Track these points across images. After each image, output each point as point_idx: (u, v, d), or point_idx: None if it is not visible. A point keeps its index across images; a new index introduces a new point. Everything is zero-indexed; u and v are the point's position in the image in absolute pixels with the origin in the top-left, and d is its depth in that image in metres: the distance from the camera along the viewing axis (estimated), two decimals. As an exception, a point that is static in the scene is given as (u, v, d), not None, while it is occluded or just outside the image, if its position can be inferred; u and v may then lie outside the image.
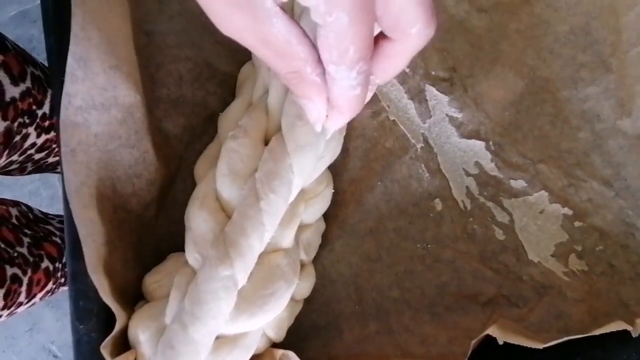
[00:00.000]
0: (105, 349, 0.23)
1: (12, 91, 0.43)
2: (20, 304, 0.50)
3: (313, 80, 0.19)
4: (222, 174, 0.26)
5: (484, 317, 0.32)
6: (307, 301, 0.31)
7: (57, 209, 0.89)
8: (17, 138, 0.46)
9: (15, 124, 0.45)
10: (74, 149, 0.23)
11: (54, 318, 0.93)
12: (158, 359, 0.22)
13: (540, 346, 0.28)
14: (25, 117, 0.46)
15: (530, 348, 0.28)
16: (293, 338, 0.31)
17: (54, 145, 0.55)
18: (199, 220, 0.25)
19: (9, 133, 0.44)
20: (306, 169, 0.26)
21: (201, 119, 0.31)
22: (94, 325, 0.25)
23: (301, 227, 0.29)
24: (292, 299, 0.28)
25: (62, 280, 0.60)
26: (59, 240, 0.61)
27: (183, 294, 0.23)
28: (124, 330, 0.25)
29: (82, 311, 0.24)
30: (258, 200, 0.24)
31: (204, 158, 0.29)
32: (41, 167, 0.60)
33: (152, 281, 0.26)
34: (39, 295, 0.54)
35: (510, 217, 0.34)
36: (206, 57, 0.31)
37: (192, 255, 0.25)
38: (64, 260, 0.60)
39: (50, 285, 0.56)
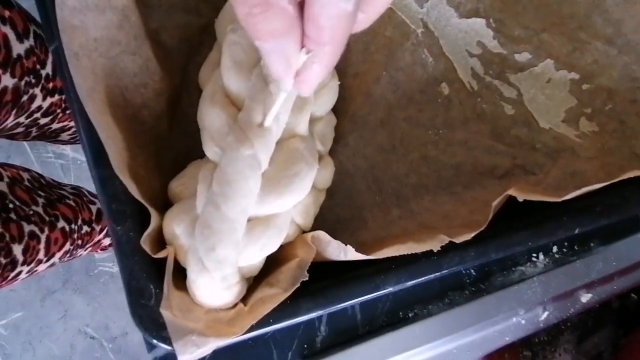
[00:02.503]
0: (145, 243, 0.24)
1: (18, 48, 0.43)
2: (40, 261, 0.51)
3: (283, 8, 0.15)
4: (227, 68, 0.26)
5: (501, 189, 0.32)
6: (329, 196, 0.32)
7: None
8: (25, 98, 0.46)
9: (23, 83, 0.45)
10: (77, 53, 0.23)
11: (84, 303, 0.95)
12: (197, 240, 0.23)
13: (559, 199, 0.29)
14: (31, 76, 0.46)
15: (551, 206, 0.29)
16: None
17: (58, 110, 0.55)
18: (212, 117, 0.25)
19: (17, 91, 0.44)
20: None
21: (196, 30, 0.31)
22: (130, 225, 0.25)
23: (313, 120, 0.30)
24: (315, 187, 0.29)
25: (80, 242, 0.61)
26: (73, 204, 0.61)
27: (209, 185, 0.24)
28: (159, 230, 0.26)
29: (116, 213, 0.25)
30: (267, 84, 0.24)
31: (207, 65, 0.29)
32: (45, 134, 0.59)
33: (178, 184, 0.27)
34: (58, 254, 0.55)
35: (518, 91, 0.34)
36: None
37: (211, 150, 0.25)
38: (79, 223, 0.61)
39: (68, 246, 0.57)
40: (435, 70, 0.34)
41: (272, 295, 0.25)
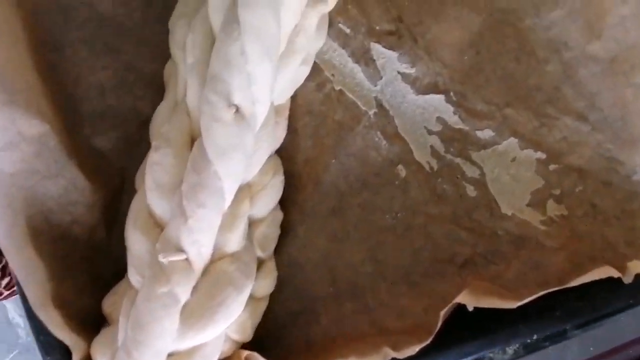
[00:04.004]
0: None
1: None
2: None
3: None
4: (150, 189, 0.25)
5: (460, 280, 0.31)
6: (279, 290, 0.31)
7: None
8: None
9: None
10: (-11, 195, 0.23)
11: None
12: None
13: (513, 305, 0.27)
14: None
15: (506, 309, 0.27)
16: (270, 326, 0.31)
17: None
18: (132, 241, 0.24)
19: None
20: (236, 170, 0.24)
21: (135, 127, 0.30)
22: (61, 355, 0.25)
23: (254, 222, 0.29)
24: (253, 298, 0.28)
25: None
26: None
27: (129, 318, 0.23)
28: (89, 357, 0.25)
29: (45, 344, 0.25)
30: (186, 219, 0.23)
31: (142, 169, 0.28)
32: None
33: (109, 304, 0.27)
34: None
35: (481, 170, 0.32)
36: (127, 60, 0.29)
37: (134, 277, 0.25)
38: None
39: None
40: (390, 152, 0.32)
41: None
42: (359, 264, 0.32)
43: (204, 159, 0.23)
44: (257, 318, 0.28)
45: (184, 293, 0.23)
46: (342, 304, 0.32)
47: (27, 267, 0.24)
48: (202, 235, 0.23)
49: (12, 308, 0.95)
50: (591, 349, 0.33)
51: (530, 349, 0.31)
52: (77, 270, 0.27)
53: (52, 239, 0.26)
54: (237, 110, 0.24)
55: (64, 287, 0.25)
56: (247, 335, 0.27)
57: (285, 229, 0.31)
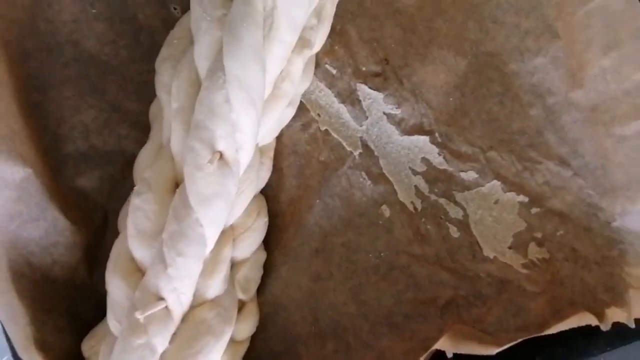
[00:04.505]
0: None
1: None
2: None
3: None
4: (131, 235, 0.25)
5: (442, 322, 0.31)
6: (262, 330, 0.31)
7: None
8: None
9: None
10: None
11: None
12: None
13: (493, 352, 0.27)
14: None
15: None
16: (253, 367, 0.31)
17: None
18: (113, 286, 0.24)
19: None
20: (218, 218, 0.24)
21: (119, 166, 0.30)
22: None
23: (236, 265, 0.29)
24: (233, 341, 0.28)
25: None
26: None
27: (107, 367, 0.23)
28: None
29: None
30: (166, 267, 0.23)
31: (124, 210, 0.28)
32: None
33: (88, 347, 0.26)
34: None
35: (464, 211, 0.32)
36: (111, 99, 0.30)
37: (112, 322, 0.24)
38: None
39: None
40: (374, 192, 0.32)
41: None
42: (342, 305, 0.32)
43: (185, 207, 0.23)
44: (239, 358, 0.28)
45: (161, 343, 0.23)
46: (324, 344, 0.32)
47: (8, 311, 0.24)
48: (181, 283, 0.23)
49: None
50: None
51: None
52: (57, 312, 0.26)
53: (33, 281, 0.26)
54: (221, 156, 0.24)
55: (45, 329, 0.25)
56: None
57: (268, 269, 0.31)
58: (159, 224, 0.25)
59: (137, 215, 0.25)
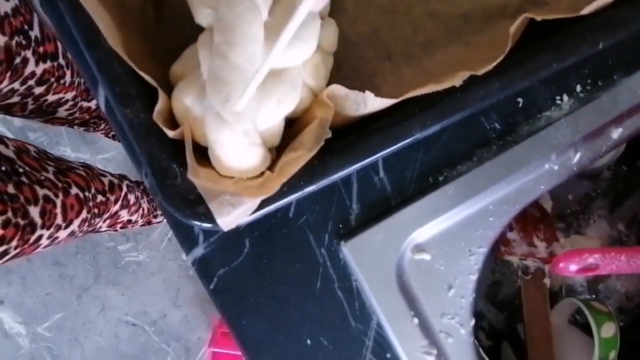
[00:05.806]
0: (158, 120, 0.23)
1: (4, 6, 0.43)
2: (59, 227, 0.51)
3: None
4: None
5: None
6: (337, 69, 0.31)
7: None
8: (18, 60, 0.46)
9: (14, 42, 0.44)
10: None
11: (119, 293, 0.97)
12: (210, 95, 0.22)
13: (577, 14, 0.27)
14: (21, 36, 0.46)
15: (569, 27, 0.28)
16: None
17: (52, 79, 0.54)
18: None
19: (9, 50, 0.44)
20: None
21: None
22: (139, 106, 0.24)
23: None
24: (321, 48, 0.27)
25: (96, 210, 0.61)
26: (83, 174, 0.61)
27: (211, 47, 0.23)
28: (169, 111, 0.25)
29: (122, 96, 0.24)
30: None
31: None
32: (41, 108, 0.58)
33: (179, 66, 0.26)
34: (76, 222, 0.55)
35: None
36: None
37: (203, 14, 0.24)
38: (92, 191, 0.60)
39: (85, 214, 0.57)
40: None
41: (298, 157, 0.25)
42: (410, 35, 0.32)
43: None
44: (328, 71, 0.28)
45: (263, 6, 0.22)
46: (400, 73, 0.31)
47: (97, 11, 0.23)
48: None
49: (8, 318, 0.94)
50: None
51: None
52: (136, 36, 0.26)
53: (111, 1, 0.25)
54: None
55: (130, 44, 0.24)
56: (320, 83, 0.27)
57: (333, 4, 0.31)
58: None
59: None
